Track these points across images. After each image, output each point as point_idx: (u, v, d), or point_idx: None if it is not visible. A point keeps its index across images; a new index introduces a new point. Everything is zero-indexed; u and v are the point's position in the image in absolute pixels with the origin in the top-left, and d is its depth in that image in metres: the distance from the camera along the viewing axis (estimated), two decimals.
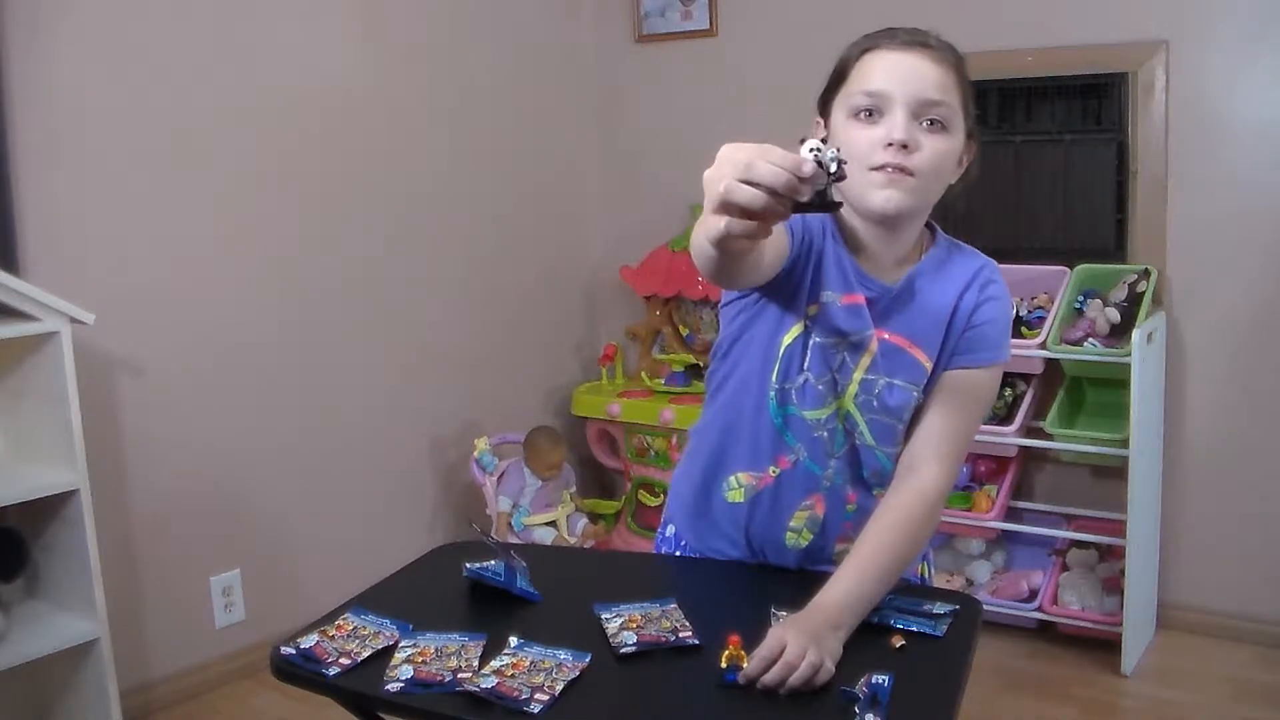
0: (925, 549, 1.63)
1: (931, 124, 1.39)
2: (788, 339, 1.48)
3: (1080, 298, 3.02)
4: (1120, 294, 2.97)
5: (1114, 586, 3.01)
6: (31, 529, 2.49)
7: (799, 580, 1.54)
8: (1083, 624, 3.04)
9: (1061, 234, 3.18)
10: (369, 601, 1.49)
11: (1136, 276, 2.98)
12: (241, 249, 2.98)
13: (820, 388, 1.48)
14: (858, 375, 1.47)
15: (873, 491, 1.52)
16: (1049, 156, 3.15)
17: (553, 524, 3.46)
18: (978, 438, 2.99)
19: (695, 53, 3.73)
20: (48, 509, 2.43)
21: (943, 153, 1.40)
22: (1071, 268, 3.07)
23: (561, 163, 3.89)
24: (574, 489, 3.61)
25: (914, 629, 1.37)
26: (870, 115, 1.39)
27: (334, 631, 1.39)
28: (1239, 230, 2.97)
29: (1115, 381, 2.96)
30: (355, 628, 1.40)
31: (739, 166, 1.08)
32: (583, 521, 3.53)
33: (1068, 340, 2.95)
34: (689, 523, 1.64)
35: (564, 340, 3.97)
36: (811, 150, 1.10)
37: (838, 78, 1.46)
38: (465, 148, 3.53)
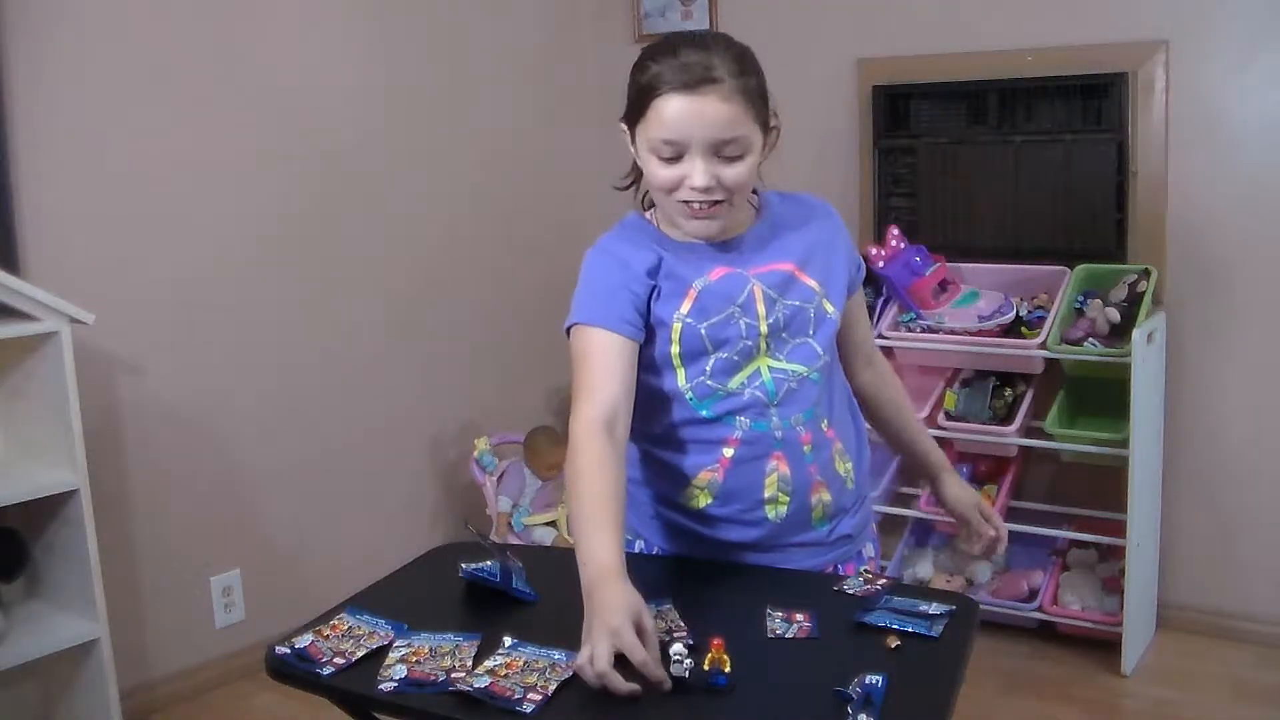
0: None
1: (729, 155, 1.46)
2: (675, 347, 1.53)
3: (1080, 298, 3.02)
4: (1120, 294, 2.96)
5: (1114, 586, 3.01)
6: (31, 529, 2.50)
7: (795, 580, 1.54)
8: (1083, 624, 3.03)
9: (1061, 234, 3.17)
10: (364, 601, 1.49)
11: (1136, 276, 2.97)
12: (242, 250, 2.98)
13: (735, 358, 1.53)
14: (762, 327, 1.53)
15: (820, 424, 1.57)
16: (1049, 156, 3.15)
17: (553, 524, 3.46)
18: (978, 437, 3.06)
19: None
20: (48, 509, 2.44)
21: (744, 173, 1.49)
22: (1071, 268, 3.07)
23: (561, 163, 3.88)
24: None
25: (909, 630, 1.37)
26: (671, 158, 1.48)
27: (329, 631, 1.40)
28: (1239, 230, 2.97)
29: (1115, 381, 2.95)
30: (350, 627, 1.40)
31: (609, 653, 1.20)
32: None
33: (1068, 340, 2.95)
34: (659, 539, 1.66)
35: (564, 340, 3.94)
36: (675, 657, 1.23)
37: (636, 109, 1.50)
38: (465, 148, 3.53)
